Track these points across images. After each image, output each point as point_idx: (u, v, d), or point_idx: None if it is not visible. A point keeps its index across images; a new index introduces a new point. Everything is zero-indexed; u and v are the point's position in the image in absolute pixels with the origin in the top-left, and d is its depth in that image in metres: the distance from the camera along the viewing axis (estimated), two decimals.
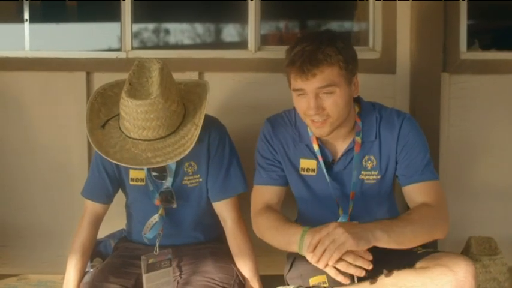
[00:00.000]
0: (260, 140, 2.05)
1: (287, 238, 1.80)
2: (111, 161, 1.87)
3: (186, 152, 1.85)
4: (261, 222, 1.95)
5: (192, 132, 1.89)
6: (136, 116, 1.83)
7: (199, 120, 1.91)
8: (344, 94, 1.84)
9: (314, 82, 1.80)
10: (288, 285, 1.93)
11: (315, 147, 1.97)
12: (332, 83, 1.81)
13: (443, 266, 1.72)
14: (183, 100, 1.98)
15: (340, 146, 1.99)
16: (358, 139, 1.95)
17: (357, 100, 2.00)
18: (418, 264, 1.80)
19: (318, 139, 1.98)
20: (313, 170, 2.00)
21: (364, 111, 1.99)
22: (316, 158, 1.98)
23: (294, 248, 1.77)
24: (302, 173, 2.01)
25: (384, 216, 2.00)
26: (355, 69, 1.89)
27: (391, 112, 2.00)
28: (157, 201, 2.08)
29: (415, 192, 1.92)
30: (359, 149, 1.96)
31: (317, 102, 1.82)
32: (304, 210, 2.09)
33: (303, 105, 1.86)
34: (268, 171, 2.02)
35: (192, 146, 1.86)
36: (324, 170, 1.97)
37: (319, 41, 1.82)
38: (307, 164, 2.00)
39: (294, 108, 1.98)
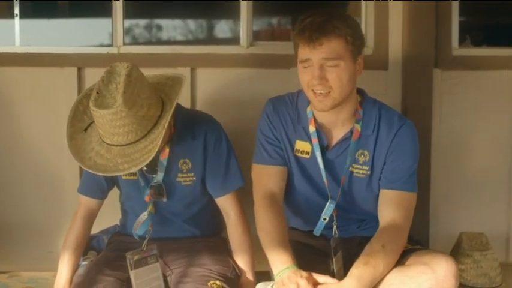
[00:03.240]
0: (262, 118, 2.07)
1: (270, 257, 1.84)
2: (83, 167, 1.86)
3: (149, 160, 1.81)
4: (261, 218, 1.95)
5: (159, 137, 1.84)
6: (104, 123, 1.81)
7: (166, 121, 1.86)
8: (348, 69, 1.87)
9: (321, 51, 1.83)
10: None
11: (311, 128, 1.98)
12: (338, 56, 1.84)
13: (424, 264, 1.73)
14: (166, 98, 1.94)
15: (337, 134, 1.99)
16: (358, 127, 1.96)
17: (360, 91, 2.02)
18: (403, 261, 1.81)
19: (316, 122, 1.98)
20: (307, 153, 2.01)
21: (365, 102, 2.00)
22: (310, 141, 1.99)
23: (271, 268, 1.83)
24: (296, 154, 2.02)
25: (369, 216, 2.01)
26: (361, 48, 1.92)
27: (394, 113, 2.01)
28: (147, 198, 2.07)
29: (391, 200, 1.92)
30: (357, 137, 1.96)
31: (321, 72, 1.85)
32: (292, 190, 2.06)
33: (308, 76, 1.88)
34: (268, 151, 2.03)
35: (155, 151, 1.82)
36: (317, 153, 1.97)
37: (330, 14, 1.87)
38: (302, 146, 2.01)
39: (298, 91, 2.01)
